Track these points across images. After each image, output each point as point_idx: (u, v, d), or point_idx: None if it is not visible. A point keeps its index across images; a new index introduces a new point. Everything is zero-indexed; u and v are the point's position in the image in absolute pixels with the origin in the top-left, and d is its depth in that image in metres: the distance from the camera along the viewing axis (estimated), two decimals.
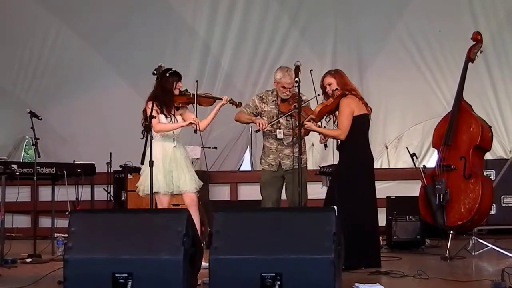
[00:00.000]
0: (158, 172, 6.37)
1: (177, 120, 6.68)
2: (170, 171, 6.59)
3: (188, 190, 6.64)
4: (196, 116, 6.70)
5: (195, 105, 6.71)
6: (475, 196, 6.84)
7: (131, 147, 6.99)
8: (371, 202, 6.48)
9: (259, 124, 6.83)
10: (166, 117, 6.65)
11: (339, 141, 6.54)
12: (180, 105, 6.73)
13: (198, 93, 6.70)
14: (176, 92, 6.69)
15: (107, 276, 4.54)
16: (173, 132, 6.68)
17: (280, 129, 6.90)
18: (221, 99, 6.78)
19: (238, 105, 6.89)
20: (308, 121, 6.39)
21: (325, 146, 6.72)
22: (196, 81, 6.80)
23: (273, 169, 6.94)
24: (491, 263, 6.60)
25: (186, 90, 6.75)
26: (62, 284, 4.72)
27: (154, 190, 6.29)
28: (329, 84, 6.49)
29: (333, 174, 6.88)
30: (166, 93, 6.62)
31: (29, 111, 7.60)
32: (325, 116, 6.55)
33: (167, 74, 6.58)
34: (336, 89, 6.43)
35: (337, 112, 6.51)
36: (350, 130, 6.36)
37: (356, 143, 6.45)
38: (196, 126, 6.58)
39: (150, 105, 6.39)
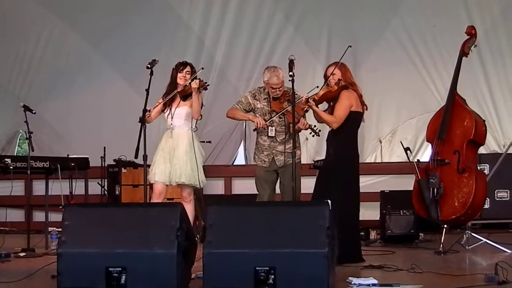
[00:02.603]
0: (153, 163, 6.38)
1: (171, 112, 6.68)
2: (163, 161, 6.57)
3: (179, 183, 6.64)
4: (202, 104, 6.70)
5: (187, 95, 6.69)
6: (469, 190, 6.85)
7: (125, 142, 7.00)
8: (358, 197, 6.50)
9: (257, 122, 6.85)
10: (164, 110, 6.74)
11: (328, 134, 6.55)
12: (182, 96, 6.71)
13: (188, 83, 6.65)
14: (182, 82, 6.68)
15: (101, 270, 4.54)
16: (171, 124, 6.67)
17: (272, 126, 6.91)
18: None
19: (204, 84, 6.63)
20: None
21: (317, 134, 6.68)
22: (202, 68, 6.82)
23: (265, 165, 6.97)
24: (485, 257, 6.61)
25: (196, 78, 6.67)
26: (55, 278, 4.71)
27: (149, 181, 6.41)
28: (333, 74, 6.47)
29: (323, 168, 6.82)
30: (169, 86, 6.65)
31: (22, 105, 7.58)
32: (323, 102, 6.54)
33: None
34: (340, 79, 6.44)
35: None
36: (344, 123, 6.37)
37: (348, 138, 6.45)
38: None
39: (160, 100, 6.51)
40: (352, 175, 6.44)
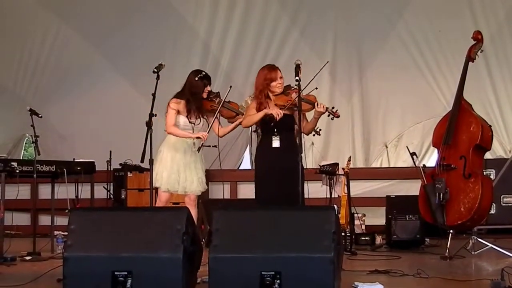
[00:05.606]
0: (164, 169, 6.37)
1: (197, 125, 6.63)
2: (177, 170, 6.57)
3: (193, 192, 6.66)
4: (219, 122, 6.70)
5: (217, 114, 6.69)
6: (475, 195, 6.83)
7: (131, 145, 6.99)
8: None
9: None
10: (190, 122, 6.61)
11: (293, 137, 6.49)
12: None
13: (224, 101, 6.67)
14: (204, 95, 6.67)
15: (107, 274, 4.54)
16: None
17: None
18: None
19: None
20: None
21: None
22: (230, 86, 6.79)
23: None
24: (491, 263, 6.61)
25: (218, 93, 6.72)
26: (61, 282, 4.72)
27: (156, 185, 6.40)
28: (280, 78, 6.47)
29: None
30: (196, 98, 6.58)
31: (29, 108, 7.59)
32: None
33: (197, 78, 6.58)
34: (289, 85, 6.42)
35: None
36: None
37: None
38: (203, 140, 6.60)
39: (172, 105, 6.43)
40: None
